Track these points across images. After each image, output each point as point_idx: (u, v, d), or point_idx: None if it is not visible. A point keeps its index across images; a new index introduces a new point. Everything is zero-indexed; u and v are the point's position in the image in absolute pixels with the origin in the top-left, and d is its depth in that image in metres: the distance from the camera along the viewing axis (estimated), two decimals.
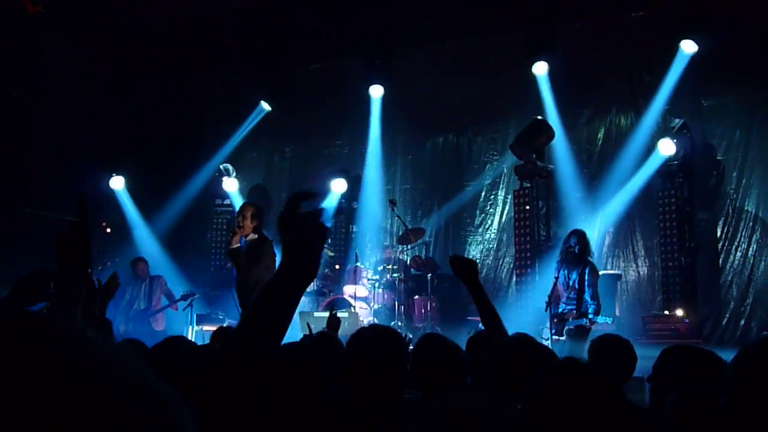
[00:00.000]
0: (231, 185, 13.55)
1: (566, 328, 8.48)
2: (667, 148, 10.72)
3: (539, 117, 11.59)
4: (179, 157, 13.87)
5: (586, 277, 8.65)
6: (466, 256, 12.78)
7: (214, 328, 7.89)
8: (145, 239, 13.44)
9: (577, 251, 8.70)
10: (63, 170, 12.80)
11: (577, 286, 8.69)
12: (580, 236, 8.88)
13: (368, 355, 2.74)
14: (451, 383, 3.11)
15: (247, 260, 7.53)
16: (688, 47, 10.85)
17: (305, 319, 10.48)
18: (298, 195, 1.66)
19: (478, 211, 13.01)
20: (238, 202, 13.17)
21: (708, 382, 2.73)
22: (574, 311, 8.62)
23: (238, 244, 7.61)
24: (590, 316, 8.36)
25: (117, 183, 13.58)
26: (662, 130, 11.09)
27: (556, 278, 8.77)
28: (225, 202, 13.74)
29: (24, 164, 12.77)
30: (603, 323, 8.31)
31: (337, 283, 12.18)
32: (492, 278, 12.58)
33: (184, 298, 10.89)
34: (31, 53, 12.34)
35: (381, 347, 2.78)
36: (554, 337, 8.35)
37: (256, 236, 7.69)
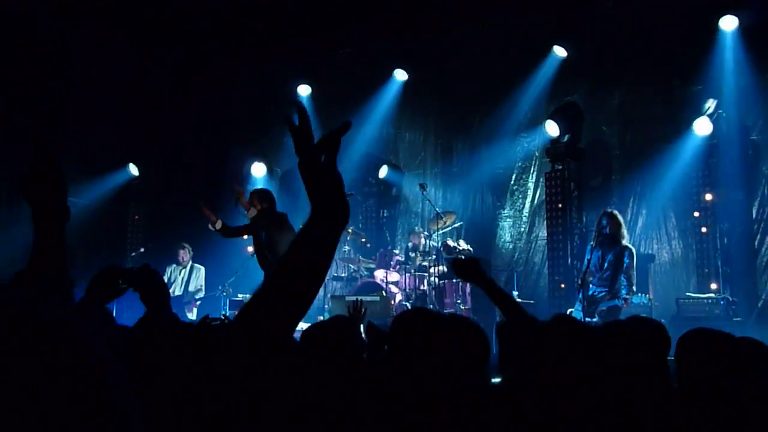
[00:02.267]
0: (259, 170, 13.65)
1: (598, 309, 8.45)
2: (702, 128, 10.56)
3: (570, 99, 11.51)
4: (208, 143, 13.97)
5: (625, 260, 8.62)
6: (497, 240, 12.82)
7: None
8: (182, 224, 13.53)
9: (608, 232, 8.66)
10: (93, 158, 12.98)
11: (612, 268, 8.65)
12: (611, 217, 8.84)
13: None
14: (469, 366, 3.06)
15: (270, 227, 7.94)
16: (728, 24, 10.63)
17: (337, 302, 10.56)
18: (334, 134, 1.60)
19: (509, 194, 12.94)
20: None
21: (726, 366, 2.70)
22: (606, 292, 8.59)
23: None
24: (624, 296, 8.34)
25: (132, 170, 13.60)
26: (697, 110, 10.91)
27: (589, 260, 8.74)
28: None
29: (58, 153, 12.94)
30: (638, 303, 8.27)
31: (369, 267, 12.23)
32: (524, 261, 12.53)
33: (219, 292, 11.10)
34: (63, 43, 12.48)
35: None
36: (585, 319, 8.32)
37: (273, 214, 8.13)
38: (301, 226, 1.53)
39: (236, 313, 1.53)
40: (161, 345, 2.68)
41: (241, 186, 8.95)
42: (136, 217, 13.90)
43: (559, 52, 11.80)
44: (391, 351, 2.75)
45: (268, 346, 1.43)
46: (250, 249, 12.41)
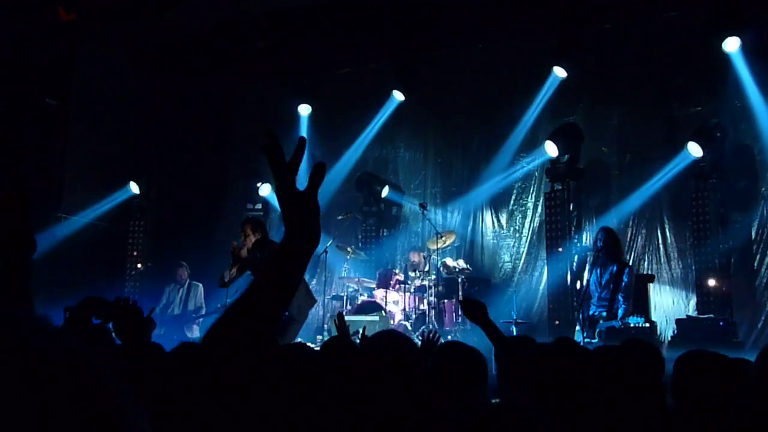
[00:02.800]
0: (266, 191, 13.66)
1: (597, 330, 8.44)
2: (695, 149, 10.61)
3: (570, 120, 11.57)
4: (210, 162, 14.02)
5: (625, 278, 8.62)
6: (496, 259, 12.82)
7: None
8: (182, 244, 13.54)
9: (602, 246, 8.67)
10: (96, 176, 13.01)
11: (611, 286, 8.64)
12: (606, 233, 8.84)
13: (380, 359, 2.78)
14: (469, 390, 3.13)
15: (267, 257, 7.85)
16: (730, 45, 10.65)
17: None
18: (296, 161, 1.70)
19: (508, 214, 12.96)
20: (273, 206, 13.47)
21: (724, 388, 2.71)
22: (605, 313, 8.59)
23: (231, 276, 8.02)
24: (620, 317, 8.34)
25: (134, 188, 13.52)
26: (695, 130, 10.94)
27: (588, 280, 8.74)
28: (256, 207, 13.83)
29: (58, 170, 12.97)
30: (635, 325, 8.26)
31: (368, 287, 12.22)
32: (524, 281, 12.51)
33: (216, 311, 11.03)
34: (66, 61, 12.54)
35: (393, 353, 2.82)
36: (586, 340, 8.31)
37: (267, 243, 8.04)
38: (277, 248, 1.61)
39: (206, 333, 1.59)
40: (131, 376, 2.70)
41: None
42: (136, 235, 13.90)
43: (559, 72, 11.85)
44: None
45: (241, 361, 1.49)
46: None
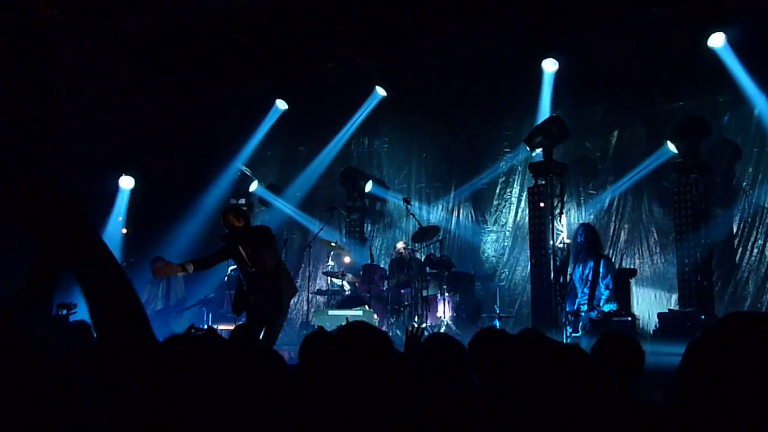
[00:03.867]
0: (254, 187, 13.68)
1: (581, 323, 8.49)
2: (673, 147, 10.70)
3: (554, 115, 11.60)
4: (192, 157, 13.96)
5: (601, 269, 8.67)
6: (480, 254, 12.85)
7: (230, 327, 7.98)
8: (162, 239, 13.49)
9: (583, 241, 8.72)
10: (77, 171, 12.90)
11: (589, 280, 8.70)
12: (586, 228, 8.90)
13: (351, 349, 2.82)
14: (456, 375, 3.20)
15: (254, 248, 7.73)
16: (716, 41, 10.72)
17: (320, 317, 10.55)
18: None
19: (492, 209, 12.99)
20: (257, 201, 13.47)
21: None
22: (587, 304, 8.64)
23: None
24: (600, 307, 8.40)
25: (127, 183, 13.54)
26: (677, 126, 11.00)
27: (571, 275, 8.79)
28: (240, 202, 13.79)
29: (39, 164, 12.86)
30: (612, 314, 8.31)
31: (352, 282, 12.21)
32: (507, 275, 12.55)
33: (200, 302, 10.99)
34: (46, 54, 12.43)
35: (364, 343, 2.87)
36: (573, 335, 8.36)
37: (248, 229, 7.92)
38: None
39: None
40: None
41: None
42: (124, 231, 13.82)
43: (548, 66, 11.86)
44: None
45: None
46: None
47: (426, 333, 4.19)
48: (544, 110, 11.97)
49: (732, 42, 10.59)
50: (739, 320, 1.54)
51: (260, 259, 7.73)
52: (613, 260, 11.37)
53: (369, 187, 13.35)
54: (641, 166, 11.40)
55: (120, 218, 13.69)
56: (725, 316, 1.57)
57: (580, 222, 9.14)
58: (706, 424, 1.42)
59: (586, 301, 8.66)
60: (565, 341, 7.83)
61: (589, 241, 8.77)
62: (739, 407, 1.37)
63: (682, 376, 1.52)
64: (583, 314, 8.62)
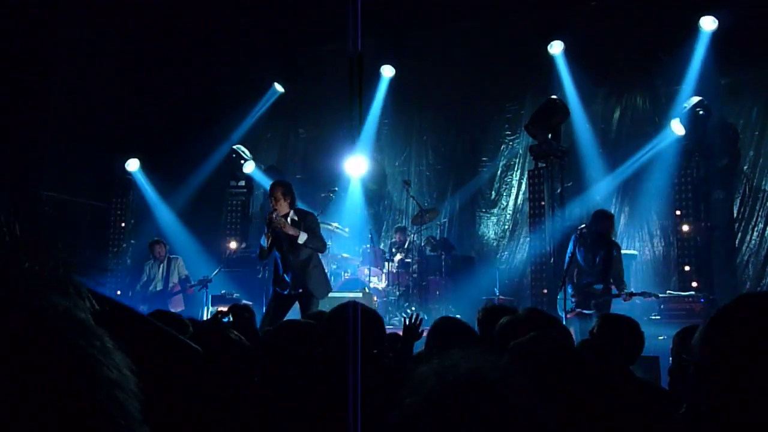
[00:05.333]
0: (250, 168, 13.60)
1: (597, 301, 8.51)
2: (678, 127, 10.65)
3: (554, 97, 11.54)
4: (192, 139, 13.93)
5: (614, 252, 8.71)
6: (481, 237, 12.86)
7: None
8: (163, 221, 13.52)
9: (604, 232, 8.70)
10: (78, 153, 12.90)
11: (604, 263, 8.68)
12: (610, 218, 8.88)
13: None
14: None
15: (303, 225, 7.61)
16: (708, 24, 10.71)
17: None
18: None
19: (493, 192, 12.98)
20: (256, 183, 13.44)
21: None
22: (600, 286, 8.63)
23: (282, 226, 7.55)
24: (616, 291, 8.51)
25: (133, 165, 13.63)
26: (678, 109, 10.97)
27: (570, 257, 8.78)
28: (240, 184, 13.78)
29: (41, 148, 12.85)
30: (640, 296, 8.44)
31: (353, 264, 12.22)
32: (507, 258, 12.56)
33: (200, 283, 10.97)
34: (45, 37, 12.37)
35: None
36: (577, 309, 8.39)
37: (294, 212, 7.74)
38: None
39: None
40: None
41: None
42: (119, 213, 13.83)
43: (552, 49, 11.83)
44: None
45: None
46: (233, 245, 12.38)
47: (424, 321, 4.20)
48: (547, 93, 11.93)
49: (723, 26, 10.57)
50: (754, 301, 1.55)
51: (298, 246, 7.60)
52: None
53: (365, 168, 13.23)
54: (642, 150, 11.37)
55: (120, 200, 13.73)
56: (738, 298, 1.56)
57: (603, 211, 9.09)
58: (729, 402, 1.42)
59: (600, 282, 8.65)
60: (564, 321, 7.83)
61: (609, 231, 8.77)
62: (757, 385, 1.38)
63: (698, 356, 1.52)
64: (597, 294, 8.61)
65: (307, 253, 7.66)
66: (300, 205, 8.06)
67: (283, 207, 7.62)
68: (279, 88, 13.94)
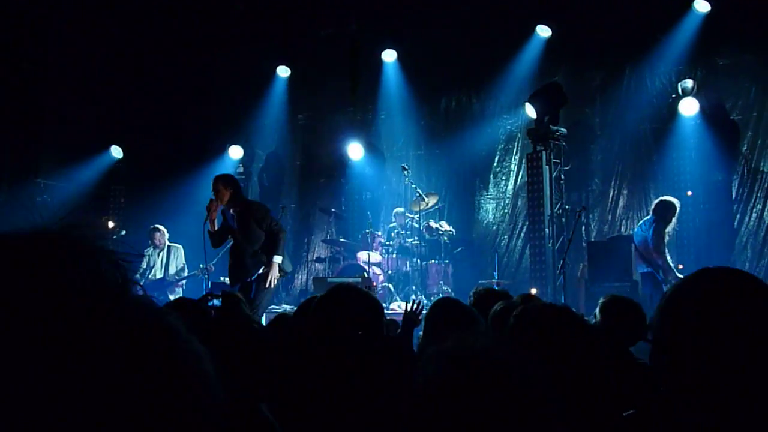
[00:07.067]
0: (236, 153, 13.63)
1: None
2: (687, 108, 10.68)
3: (554, 80, 11.52)
4: (188, 126, 13.90)
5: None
6: (480, 221, 12.87)
7: None
8: (161, 207, 13.47)
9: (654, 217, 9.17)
10: (73, 141, 12.86)
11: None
12: (664, 204, 9.29)
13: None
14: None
15: (243, 228, 7.78)
16: (702, 6, 10.71)
17: (319, 284, 10.56)
18: None
19: (491, 176, 12.96)
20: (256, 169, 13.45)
21: None
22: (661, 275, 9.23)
23: (215, 228, 7.97)
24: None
25: (116, 152, 13.60)
26: (676, 90, 10.95)
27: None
28: (238, 171, 13.75)
29: (35, 135, 12.82)
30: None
31: (351, 249, 12.22)
32: (506, 242, 12.56)
33: (199, 271, 10.98)
34: (41, 24, 12.31)
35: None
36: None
37: (241, 203, 7.94)
38: None
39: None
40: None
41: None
42: (122, 200, 13.81)
43: (542, 32, 11.81)
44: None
45: None
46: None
47: (424, 306, 4.22)
48: (544, 76, 11.91)
49: (723, 6, 10.59)
50: (709, 275, 1.55)
51: (249, 233, 7.84)
52: (611, 225, 11.46)
53: (361, 153, 13.21)
54: (640, 132, 11.38)
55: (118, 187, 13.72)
56: (696, 272, 1.57)
57: (668, 200, 9.41)
58: (684, 374, 1.43)
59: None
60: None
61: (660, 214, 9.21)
62: (713, 356, 1.39)
63: (658, 330, 1.53)
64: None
65: (257, 241, 7.88)
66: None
67: (225, 198, 7.83)
68: (283, 73, 13.93)
